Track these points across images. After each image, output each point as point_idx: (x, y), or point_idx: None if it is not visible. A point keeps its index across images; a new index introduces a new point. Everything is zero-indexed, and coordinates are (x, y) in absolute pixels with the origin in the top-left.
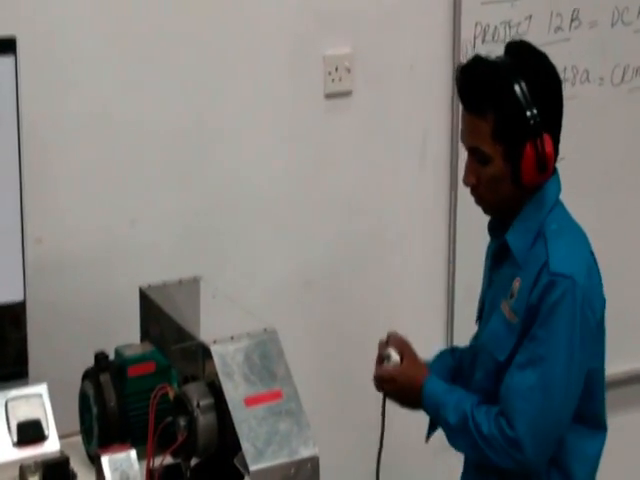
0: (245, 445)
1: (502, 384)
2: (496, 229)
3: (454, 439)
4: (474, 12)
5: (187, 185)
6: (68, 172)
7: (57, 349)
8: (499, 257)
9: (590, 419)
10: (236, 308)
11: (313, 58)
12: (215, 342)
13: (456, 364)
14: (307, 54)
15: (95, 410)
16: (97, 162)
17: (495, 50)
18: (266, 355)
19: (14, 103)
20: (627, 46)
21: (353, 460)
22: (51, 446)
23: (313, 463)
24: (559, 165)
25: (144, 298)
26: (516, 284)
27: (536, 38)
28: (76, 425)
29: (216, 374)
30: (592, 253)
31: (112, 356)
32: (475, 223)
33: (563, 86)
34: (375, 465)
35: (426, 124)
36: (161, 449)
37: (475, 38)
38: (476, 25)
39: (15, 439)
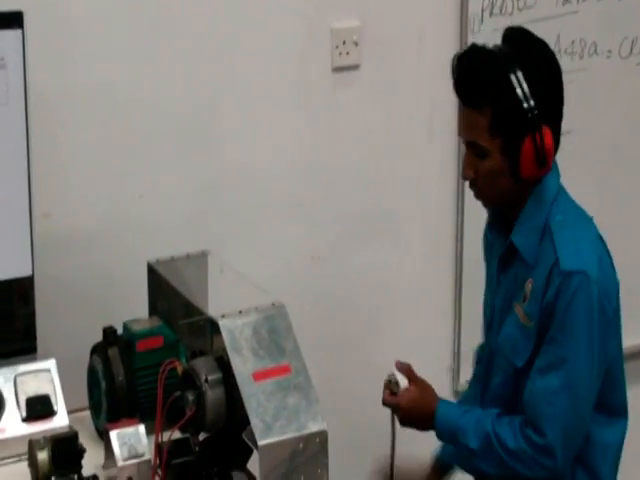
0: (253, 420)
1: (525, 391)
2: (498, 227)
3: (477, 463)
4: None
5: (195, 160)
6: (76, 147)
7: (65, 324)
8: (506, 259)
9: (610, 407)
10: (244, 282)
11: (320, 32)
12: (223, 316)
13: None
14: (314, 28)
15: (104, 385)
16: (105, 137)
17: (503, 23)
18: (274, 329)
19: (22, 77)
20: (635, 19)
21: (362, 434)
22: (60, 421)
23: (321, 438)
24: (566, 138)
25: (152, 273)
26: (529, 285)
27: (544, 11)
28: (85, 400)
29: (224, 349)
30: (600, 237)
31: (120, 331)
32: None
33: (571, 59)
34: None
35: (434, 97)
36: (169, 424)
37: (483, 11)
38: None
39: (24, 414)
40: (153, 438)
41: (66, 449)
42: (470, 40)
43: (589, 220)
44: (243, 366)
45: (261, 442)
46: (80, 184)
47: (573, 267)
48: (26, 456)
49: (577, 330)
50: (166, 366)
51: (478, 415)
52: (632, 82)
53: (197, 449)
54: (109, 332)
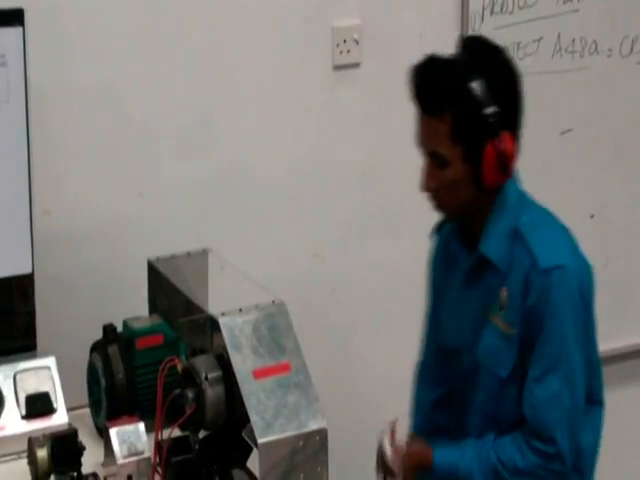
0: (253, 417)
1: (524, 406)
2: (459, 242)
3: None
4: None
5: (195, 157)
6: (76, 144)
7: (65, 321)
8: (475, 272)
9: (589, 395)
10: (244, 280)
11: (321, 30)
12: (223, 314)
13: (441, 418)
14: (315, 26)
15: (103, 382)
16: (105, 134)
17: (504, 21)
18: (275, 327)
19: (22, 75)
20: (636, 17)
21: (362, 432)
22: (59, 419)
23: (321, 436)
24: (566, 136)
25: (152, 270)
26: (504, 294)
27: (545, 9)
28: (84, 398)
29: (224, 346)
30: (565, 227)
31: (120, 328)
32: None
33: (572, 57)
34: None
35: None
36: (169, 421)
37: (484, 9)
38: None
39: (24, 412)
40: (153, 436)
41: (66, 447)
42: None
43: (553, 215)
44: (243, 364)
45: (261, 440)
46: (80, 181)
47: (552, 263)
48: (26, 454)
49: (564, 326)
50: (166, 364)
51: (477, 450)
52: (632, 81)
53: (197, 447)
54: (109, 330)
